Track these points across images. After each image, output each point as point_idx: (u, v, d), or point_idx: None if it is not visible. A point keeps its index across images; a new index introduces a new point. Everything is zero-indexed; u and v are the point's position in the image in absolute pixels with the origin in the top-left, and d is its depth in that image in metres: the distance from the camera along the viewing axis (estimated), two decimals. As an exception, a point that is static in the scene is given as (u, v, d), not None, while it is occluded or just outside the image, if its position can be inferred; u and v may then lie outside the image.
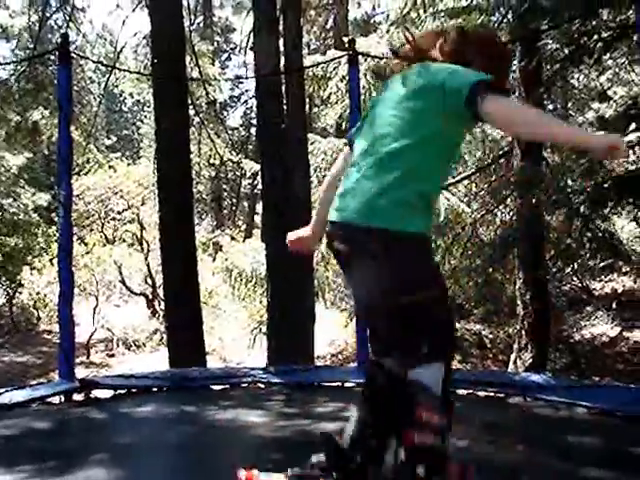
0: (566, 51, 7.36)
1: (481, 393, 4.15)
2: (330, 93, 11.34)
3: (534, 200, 7.31)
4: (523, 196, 7.99)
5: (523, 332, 8.79)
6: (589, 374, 8.55)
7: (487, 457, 2.87)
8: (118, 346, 13.76)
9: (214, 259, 16.23)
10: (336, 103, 11.99)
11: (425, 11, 9.78)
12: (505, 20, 8.99)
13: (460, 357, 11.42)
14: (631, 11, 5.99)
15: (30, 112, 13.31)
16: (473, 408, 3.91)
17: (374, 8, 19.86)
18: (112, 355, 13.51)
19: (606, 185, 6.66)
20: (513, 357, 8.95)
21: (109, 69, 15.66)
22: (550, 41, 7.46)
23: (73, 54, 5.52)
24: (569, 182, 7.21)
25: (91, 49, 21.56)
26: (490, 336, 12.15)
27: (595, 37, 6.43)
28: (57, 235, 5.20)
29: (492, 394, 4.12)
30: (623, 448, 3.10)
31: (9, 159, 19.45)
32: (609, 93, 11.40)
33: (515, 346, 9.03)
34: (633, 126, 7.80)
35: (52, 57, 11.93)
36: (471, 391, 4.17)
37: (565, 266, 8.93)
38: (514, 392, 4.03)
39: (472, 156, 12.78)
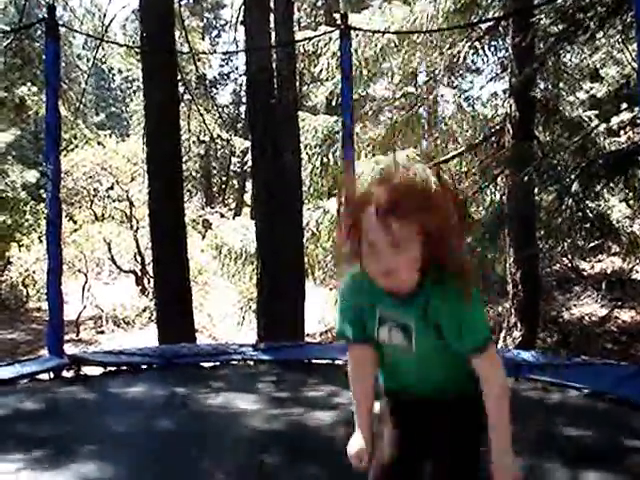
0: (560, 27, 7.31)
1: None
2: (321, 70, 11.25)
3: (525, 178, 7.30)
4: (514, 174, 7.98)
5: (513, 310, 8.82)
6: (578, 353, 8.59)
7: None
8: (107, 323, 13.72)
9: (204, 237, 16.18)
10: (327, 80, 11.91)
11: (417, -14, 9.70)
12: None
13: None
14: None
15: (17, 88, 13.16)
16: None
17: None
18: (101, 332, 13.48)
19: (598, 164, 6.65)
20: (502, 335, 8.98)
21: (97, 44, 15.48)
22: (543, 16, 7.39)
23: (60, 26, 5.43)
24: (560, 160, 7.20)
25: (79, 25, 21.28)
26: (480, 315, 12.17)
27: (590, 13, 6.38)
28: (45, 211, 5.15)
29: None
30: (613, 429, 3.11)
31: (-4, 136, 19.30)
32: (601, 73, 11.38)
33: (504, 324, 9.06)
34: (624, 106, 7.80)
35: (39, 32, 11.77)
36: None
37: (555, 245, 8.94)
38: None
39: (463, 134, 12.75)
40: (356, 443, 2.09)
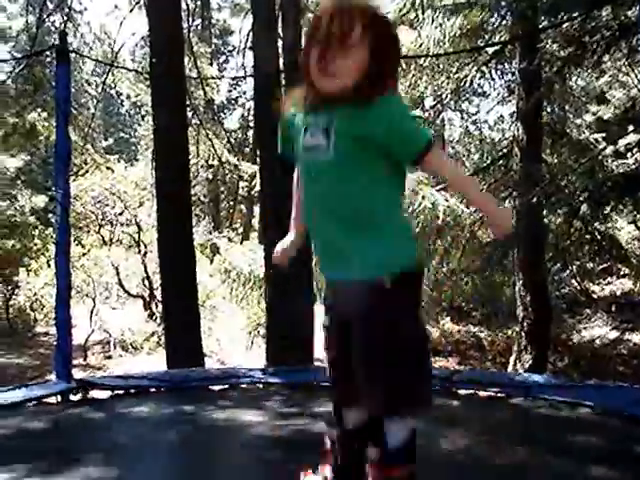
0: (566, 51, 7.34)
1: (482, 393, 4.11)
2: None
3: (533, 201, 7.30)
4: (522, 197, 7.98)
5: (523, 334, 8.77)
6: (589, 376, 8.52)
7: (488, 458, 2.84)
8: (115, 348, 13.70)
9: (212, 261, 16.19)
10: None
11: (424, 12, 9.77)
12: (505, 19, 8.99)
13: (459, 359, 11.40)
14: (632, 10, 5.99)
15: (27, 113, 13.26)
16: (474, 408, 3.88)
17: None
18: (109, 357, 13.45)
19: (606, 186, 6.65)
20: (513, 359, 8.93)
21: (106, 70, 15.63)
22: (550, 41, 7.44)
23: (71, 52, 5.48)
24: (569, 183, 7.20)
25: (89, 50, 21.53)
26: (489, 338, 12.13)
27: (596, 37, 6.42)
28: (54, 236, 5.16)
29: (493, 394, 4.08)
30: (626, 448, 3.07)
31: (6, 161, 19.45)
32: (607, 96, 11.42)
33: (515, 348, 9.01)
34: (631, 128, 7.80)
35: (49, 58, 11.90)
36: (472, 391, 4.13)
37: (565, 268, 8.92)
38: (515, 392, 3.99)
39: (470, 157, 12.79)
40: (283, 242, 2.42)
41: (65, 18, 12.51)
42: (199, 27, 25.83)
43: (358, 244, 1.95)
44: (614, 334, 10.35)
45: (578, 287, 11.83)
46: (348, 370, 2.01)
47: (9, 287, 15.67)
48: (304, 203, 2.12)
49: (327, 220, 2.00)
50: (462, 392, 4.14)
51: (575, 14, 6.41)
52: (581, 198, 6.86)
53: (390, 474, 1.96)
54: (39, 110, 13.89)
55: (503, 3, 8.47)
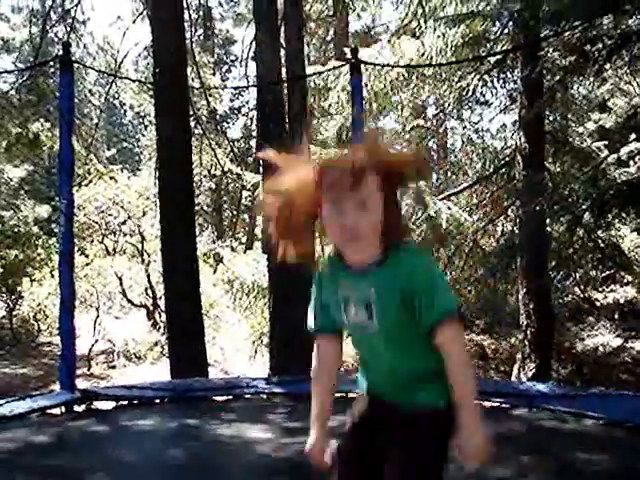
0: (568, 60, 7.36)
1: (486, 403, 4.11)
2: (330, 104, 11.34)
3: (536, 209, 7.30)
4: (525, 205, 7.98)
5: (526, 342, 8.76)
6: (593, 384, 8.50)
7: (493, 469, 2.83)
8: (119, 358, 13.68)
9: (215, 270, 16.18)
10: (337, 114, 12.00)
11: (426, 21, 9.80)
12: (507, 28, 9.01)
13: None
14: (633, 19, 6.00)
15: (31, 123, 13.30)
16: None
17: (374, 20, 19.93)
18: (113, 367, 13.44)
19: (609, 194, 6.64)
20: (516, 368, 8.91)
21: (110, 80, 15.69)
22: (551, 49, 7.46)
23: (74, 63, 5.51)
24: (571, 191, 7.20)
25: (92, 61, 21.59)
26: (492, 347, 12.11)
27: (598, 45, 6.43)
28: (57, 246, 5.17)
29: (497, 404, 4.07)
30: (629, 459, 3.06)
31: (9, 171, 19.49)
32: (609, 104, 11.43)
33: (518, 356, 8.99)
34: (633, 136, 7.81)
35: (53, 69, 11.95)
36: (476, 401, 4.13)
37: (568, 276, 8.91)
38: (520, 402, 3.99)
39: (473, 166, 12.79)
40: (311, 442, 2.11)
41: (68, 29, 12.57)
42: (202, 37, 25.93)
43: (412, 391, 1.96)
44: (617, 342, 10.33)
45: (581, 295, 11.81)
46: None
47: (13, 297, 15.67)
48: (362, 350, 2.08)
49: (383, 375, 2.01)
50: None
51: (577, 23, 6.43)
52: (584, 206, 6.85)
53: None
54: (42, 120, 13.92)
55: (505, 13, 8.50)
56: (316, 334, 2.09)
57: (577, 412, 3.69)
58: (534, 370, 8.47)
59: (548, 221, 7.76)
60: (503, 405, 4.04)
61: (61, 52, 5.20)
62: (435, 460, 1.95)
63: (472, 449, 1.82)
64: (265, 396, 4.67)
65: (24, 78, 11.78)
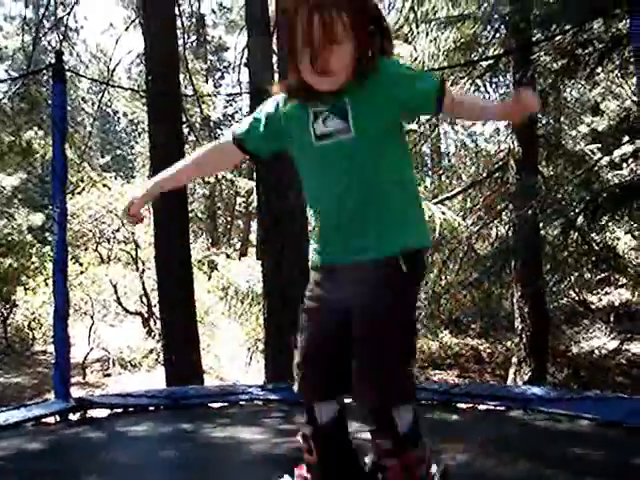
0: (560, 63, 7.39)
1: (482, 407, 4.10)
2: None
3: (530, 213, 7.32)
4: (519, 209, 8.00)
5: (522, 346, 8.77)
6: (589, 387, 8.51)
7: (489, 472, 2.83)
8: (114, 366, 13.65)
9: (209, 277, 16.18)
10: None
11: (418, 26, 9.82)
12: (498, 32, 9.04)
13: (458, 372, 11.38)
14: (624, 22, 6.02)
15: (24, 132, 13.29)
16: (473, 422, 3.87)
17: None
18: (108, 375, 13.41)
19: (602, 197, 6.67)
20: (512, 371, 8.92)
21: (103, 88, 15.68)
22: (543, 53, 7.48)
23: (67, 71, 5.51)
24: (565, 194, 7.23)
25: (85, 69, 21.60)
26: (488, 350, 12.12)
27: (589, 49, 6.46)
28: (52, 254, 5.16)
29: (493, 407, 4.07)
30: (627, 460, 3.06)
31: (3, 179, 19.46)
32: (602, 107, 11.47)
33: (514, 360, 9.00)
34: (626, 139, 7.84)
35: (46, 76, 11.94)
36: (471, 405, 4.12)
37: (562, 279, 8.93)
38: (515, 405, 3.98)
39: (466, 171, 12.82)
40: (136, 195, 2.28)
41: (61, 37, 12.57)
42: (194, 44, 25.96)
43: (381, 218, 1.91)
44: (613, 344, 10.34)
45: (576, 298, 11.84)
46: (330, 362, 1.98)
47: (7, 306, 15.63)
48: (314, 189, 2.05)
49: (348, 199, 1.93)
50: (462, 405, 4.13)
51: (568, 27, 6.46)
52: (577, 209, 6.88)
53: (409, 461, 1.94)
54: (35, 128, 13.92)
55: (496, 16, 8.53)
56: (233, 140, 2.16)
57: (573, 415, 3.69)
58: (530, 374, 8.49)
59: (542, 224, 7.78)
60: (498, 408, 4.04)
61: (54, 60, 5.19)
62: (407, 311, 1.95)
63: (524, 106, 1.82)
64: (261, 403, 4.65)
65: (17, 86, 11.77)
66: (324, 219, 2.03)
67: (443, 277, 10.59)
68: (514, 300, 9.01)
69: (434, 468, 2.11)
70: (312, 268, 2.13)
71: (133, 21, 13.16)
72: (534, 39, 7.87)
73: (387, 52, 1.93)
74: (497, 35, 9.15)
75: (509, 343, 10.87)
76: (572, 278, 9.31)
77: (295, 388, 2.14)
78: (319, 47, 1.80)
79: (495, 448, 3.20)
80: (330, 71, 1.82)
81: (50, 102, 5.45)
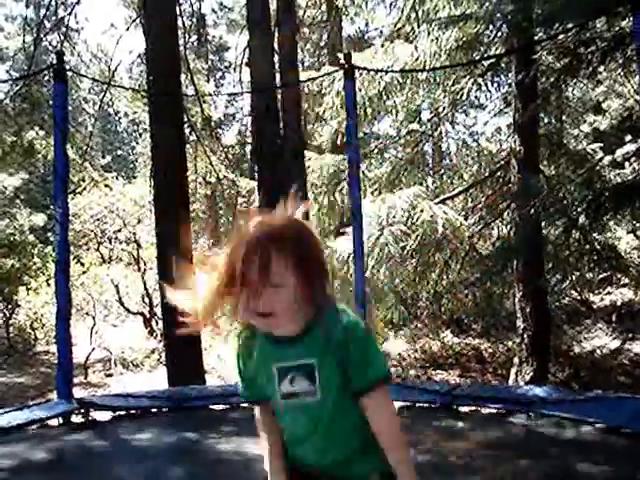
0: (562, 62, 7.37)
1: (484, 410, 4.09)
2: (324, 109, 11.33)
3: (531, 212, 7.30)
4: (521, 208, 7.99)
5: (523, 346, 8.75)
6: (591, 387, 8.49)
7: (491, 475, 2.82)
8: (116, 366, 13.65)
9: (211, 277, 16.18)
10: (331, 119, 12.00)
11: (419, 25, 9.81)
12: (500, 31, 9.03)
13: (459, 372, 11.37)
14: (627, 21, 6.01)
15: (25, 132, 13.30)
16: (475, 425, 3.86)
17: (367, 24, 19.94)
18: (110, 375, 13.40)
19: (604, 196, 6.65)
20: (514, 371, 8.90)
21: (104, 88, 15.68)
22: (545, 53, 7.47)
23: (68, 71, 5.50)
24: (566, 193, 7.21)
25: (86, 69, 21.59)
26: (489, 350, 12.10)
27: (591, 48, 6.44)
28: (54, 254, 5.16)
29: (495, 410, 4.06)
30: (628, 463, 3.05)
31: (4, 180, 19.49)
32: (604, 106, 11.45)
33: (515, 360, 8.98)
34: (628, 138, 7.82)
35: (47, 77, 11.95)
36: (474, 408, 4.11)
37: (564, 278, 8.91)
38: (517, 408, 3.98)
39: (468, 170, 12.80)
40: None
41: (62, 37, 12.57)
42: (195, 44, 25.93)
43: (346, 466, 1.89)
44: (615, 344, 10.33)
45: (578, 297, 11.82)
46: None
47: (9, 306, 15.65)
48: (287, 437, 2.00)
49: (316, 453, 1.91)
50: (463, 409, 4.12)
51: (570, 25, 6.44)
52: (579, 209, 6.86)
53: None
54: (37, 129, 13.92)
55: (498, 15, 8.51)
56: (253, 404, 2.05)
57: (575, 416, 3.68)
58: (531, 373, 8.47)
59: (544, 224, 7.76)
60: (500, 410, 4.03)
61: (55, 61, 5.19)
62: None
63: None
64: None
65: (18, 87, 11.77)
66: (299, 449, 1.99)
67: (445, 277, 10.57)
68: (516, 300, 8.99)
69: None
70: None
71: (134, 21, 13.15)
72: (536, 38, 7.86)
73: (330, 301, 1.84)
74: (499, 34, 9.14)
75: (510, 343, 10.85)
76: (574, 277, 9.28)
77: None
78: (257, 289, 1.70)
79: (498, 451, 3.20)
80: (269, 314, 1.74)
81: (51, 102, 5.45)
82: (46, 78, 12.65)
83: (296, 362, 1.83)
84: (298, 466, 1.99)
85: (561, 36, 6.82)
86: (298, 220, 1.82)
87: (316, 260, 1.80)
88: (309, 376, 1.83)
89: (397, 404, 4.05)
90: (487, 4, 8.96)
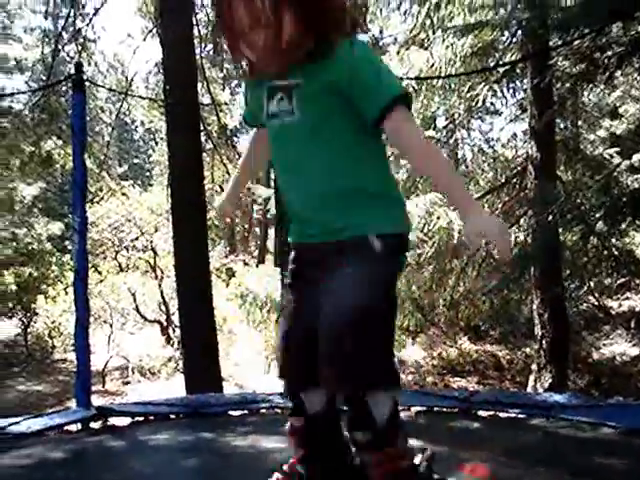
0: (578, 68, 7.34)
1: (503, 414, 4.07)
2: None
3: (549, 218, 7.27)
4: (538, 215, 7.95)
5: (541, 352, 8.71)
6: (611, 394, 8.43)
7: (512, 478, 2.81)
8: (133, 373, 13.71)
9: (227, 285, 16.21)
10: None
11: (434, 32, 9.81)
12: (515, 37, 9.01)
13: (477, 379, 11.33)
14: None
15: (43, 142, 13.42)
16: (495, 430, 3.84)
17: (382, 31, 19.95)
18: (127, 383, 13.47)
19: (622, 202, 6.62)
20: (532, 378, 8.85)
21: (121, 98, 15.79)
22: (561, 58, 7.44)
23: (87, 81, 5.55)
24: (584, 199, 7.18)
25: (103, 79, 21.79)
26: (507, 357, 12.05)
27: (608, 52, 6.42)
28: (71, 263, 5.20)
29: (514, 415, 4.03)
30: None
31: (23, 189, 19.67)
32: (620, 111, 11.40)
33: (534, 367, 8.94)
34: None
35: (65, 87, 12.06)
36: (493, 413, 4.09)
37: (582, 285, 8.85)
38: (537, 412, 3.95)
39: (484, 177, 12.77)
40: (220, 198, 2.24)
41: (80, 48, 12.68)
42: (211, 52, 26.05)
43: (340, 213, 1.82)
44: (634, 351, 10.24)
45: (596, 303, 11.74)
46: (310, 345, 1.79)
47: (27, 314, 15.77)
48: (276, 169, 2.00)
49: (301, 185, 1.87)
50: (482, 413, 4.10)
51: (586, 31, 6.42)
52: (597, 215, 6.83)
53: (386, 457, 1.82)
54: (55, 138, 14.04)
55: (513, 22, 8.50)
56: (250, 125, 2.17)
57: (595, 420, 3.65)
58: (550, 380, 8.42)
59: (561, 230, 7.73)
60: (520, 416, 4.01)
61: (73, 71, 5.23)
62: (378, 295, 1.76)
63: (472, 229, 1.65)
64: (281, 411, 4.65)
65: (37, 98, 11.89)
66: (285, 198, 1.98)
67: (461, 283, 10.54)
68: (533, 306, 8.95)
69: (418, 458, 1.98)
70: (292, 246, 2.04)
71: (150, 31, 13.24)
72: (552, 44, 7.84)
73: (350, 29, 1.81)
74: (514, 40, 9.13)
75: (528, 350, 10.79)
76: (592, 283, 9.24)
77: (277, 375, 2.02)
78: (246, 33, 1.72)
79: (517, 456, 3.18)
80: (264, 56, 1.76)
81: (69, 112, 5.49)
82: (64, 88, 12.78)
83: (285, 82, 1.81)
84: (297, 246, 1.97)
85: (577, 41, 6.79)
86: None
87: None
88: (288, 95, 1.81)
89: (414, 409, 4.04)
90: (502, 11, 8.96)
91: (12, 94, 19.13)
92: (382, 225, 1.80)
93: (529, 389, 8.77)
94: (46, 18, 15.30)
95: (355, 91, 1.72)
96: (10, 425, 4.12)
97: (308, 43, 1.75)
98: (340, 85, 1.73)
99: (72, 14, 12.36)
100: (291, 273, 2.00)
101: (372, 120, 1.73)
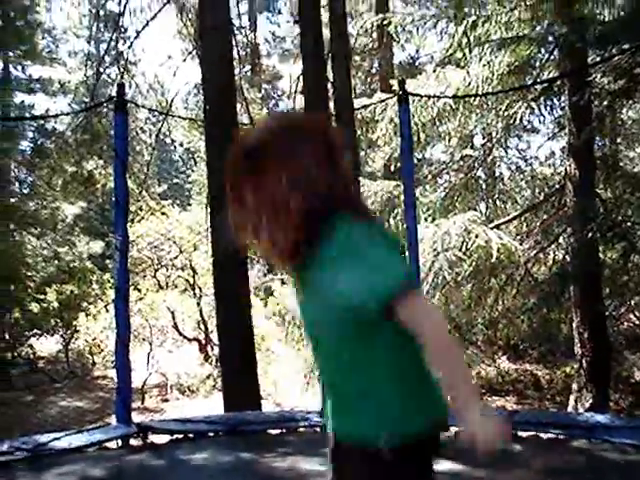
0: (617, 84, 7.28)
1: (543, 435, 4.03)
2: (378, 136, 11.39)
3: (588, 236, 7.20)
4: (577, 233, 7.88)
5: (582, 372, 8.57)
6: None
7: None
8: (172, 391, 13.79)
9: (266, 304, 16.26)
10: (384, 145, 12.05)
11: (470, 50, 9.81)
12: (552, 54, 8.98)
13: (516, 399, 11.19)
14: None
15: (85, 162, 13.68)
16: (536, 451, 3.81)
17: (418, 50, 20.02)
18: (166, 400, 13.55)
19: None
20: (572, 398, 8.72)
21: (161, 119, 16.04)
22: (599, 75, 7.39)
23: (128, 102, 5.67)
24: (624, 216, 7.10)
25: (143, 100, 22.13)
26: (547, 377, 11.89)
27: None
28: (112, 281, 5.29)
29: (555, 436, 3.99)
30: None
31: (65, 208, 20.02)
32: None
33: (574, 386, 8.81)
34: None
35: (106, 109, 12.31)
36: (534, 433, 4.05)
37: (622, 303, 8.73)
38: (579, 433, 3.90)
39: (522, 195, 12.68)
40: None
41: (121, 70, 12.94)
42: (249, 73, 26.36)
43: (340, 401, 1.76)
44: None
45: (638, 322, 11.54)
46: None
47: (68, 331, 16.00)
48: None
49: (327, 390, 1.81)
50: (522, 434, 4.06)
51: (626, 46, 6.37)
52: (638, 232, 6.74)
53: None
54: (96, 159, 14.31)
55: (550, 38, 8.48)
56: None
57: (638, 442, 3.60)
58: (591, 400, 8.28)
59: (601, 248, 7.64)
60: (560, 437, 3.96)
61: (115, 93, 5.35)
62: None
63: (471, 428, 1.51)
64: (319, 429, 4.66)
65: (80, 119, 12.14)
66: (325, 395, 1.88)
67: (500, 302, 10.45)
68: (573, 325, 8.83)
69: None
70: None
71: (190, 52, 13.45)
72: (590, 60, 7.79)
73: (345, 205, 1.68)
74: (552, 57, 9.09)
75: (568, 369, 10.64)
76: (633, 302, 9.09)
77: None
78: (238, 223, 1.78)
79: (558, 478, 3.15)
80: (260, 244, 1.76)
81: (111, 133, 5.61)
82: (105, 110, 13.04)
83: (303, 294, 1.75)
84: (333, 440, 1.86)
85: (616, 57, 6.75)
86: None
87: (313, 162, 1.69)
88: (300, 303, 1.78)
89: (454, 429, 4.02)
90: (539, 27, 8.94)
91: (56, 115, 19.52)
92: (378, 436, 1.67)
93: (569, 409, 8.63)
94: (89, 42, 15.64)
95: (351, 275, 1.58)
96: (52, 440, 4.20)
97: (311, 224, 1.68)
98: (339, 269, 1.59)
99: (114, 38, 12.63)
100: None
101: (378, 314, 1.57)
